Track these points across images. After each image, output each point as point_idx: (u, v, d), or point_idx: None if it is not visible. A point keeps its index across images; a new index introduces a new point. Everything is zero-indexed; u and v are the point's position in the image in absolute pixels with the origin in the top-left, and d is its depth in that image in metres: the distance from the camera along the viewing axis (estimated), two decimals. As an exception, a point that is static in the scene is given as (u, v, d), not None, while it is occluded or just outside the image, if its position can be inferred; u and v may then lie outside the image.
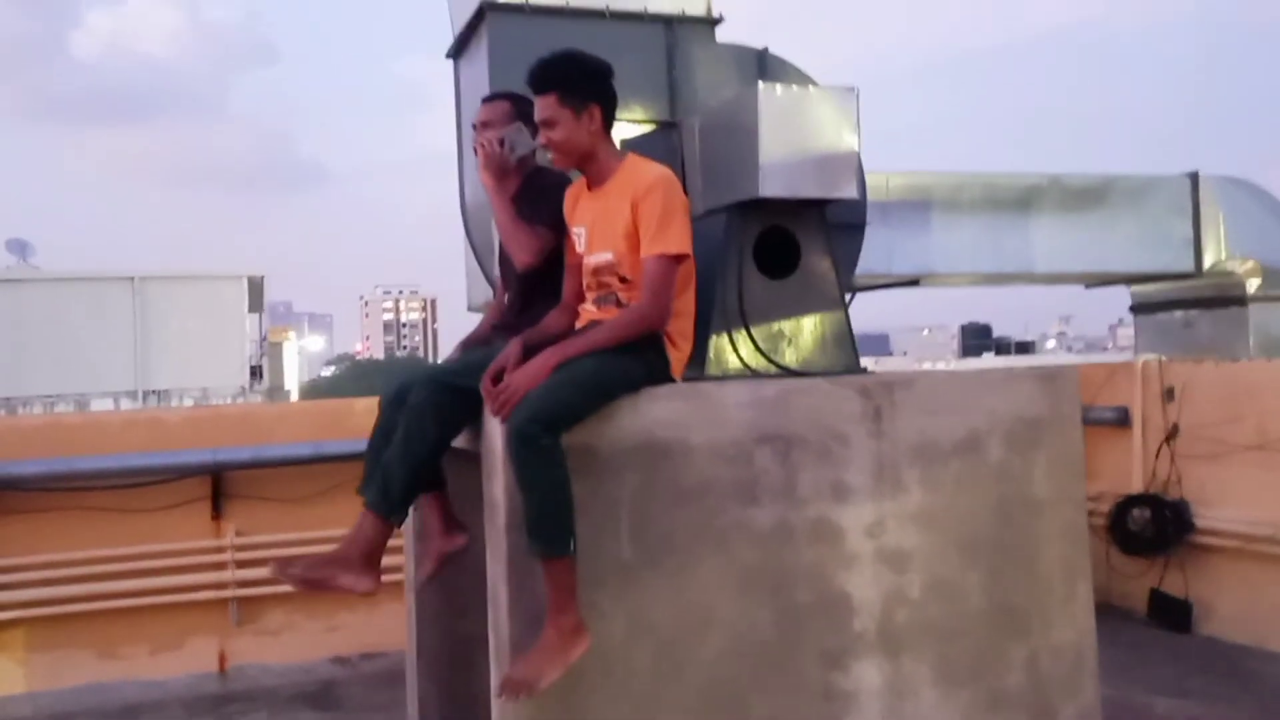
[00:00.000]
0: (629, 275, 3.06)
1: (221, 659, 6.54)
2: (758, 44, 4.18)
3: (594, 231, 3.13)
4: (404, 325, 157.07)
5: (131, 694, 6.20)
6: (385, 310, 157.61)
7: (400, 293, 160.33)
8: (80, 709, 5.99)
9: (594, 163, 3.12)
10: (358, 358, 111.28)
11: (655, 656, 3.00)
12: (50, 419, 9.35)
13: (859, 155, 3.49)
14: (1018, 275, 7.03)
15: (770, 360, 3.54)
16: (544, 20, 3.85)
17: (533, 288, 3.34)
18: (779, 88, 3.41)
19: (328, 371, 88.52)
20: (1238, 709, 5.43)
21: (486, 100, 3.46)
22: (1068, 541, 3.43)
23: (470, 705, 4.24)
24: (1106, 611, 5.96)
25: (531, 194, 3.32)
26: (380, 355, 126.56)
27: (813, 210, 3.63)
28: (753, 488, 3.09)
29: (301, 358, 41.69)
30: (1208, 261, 7.31)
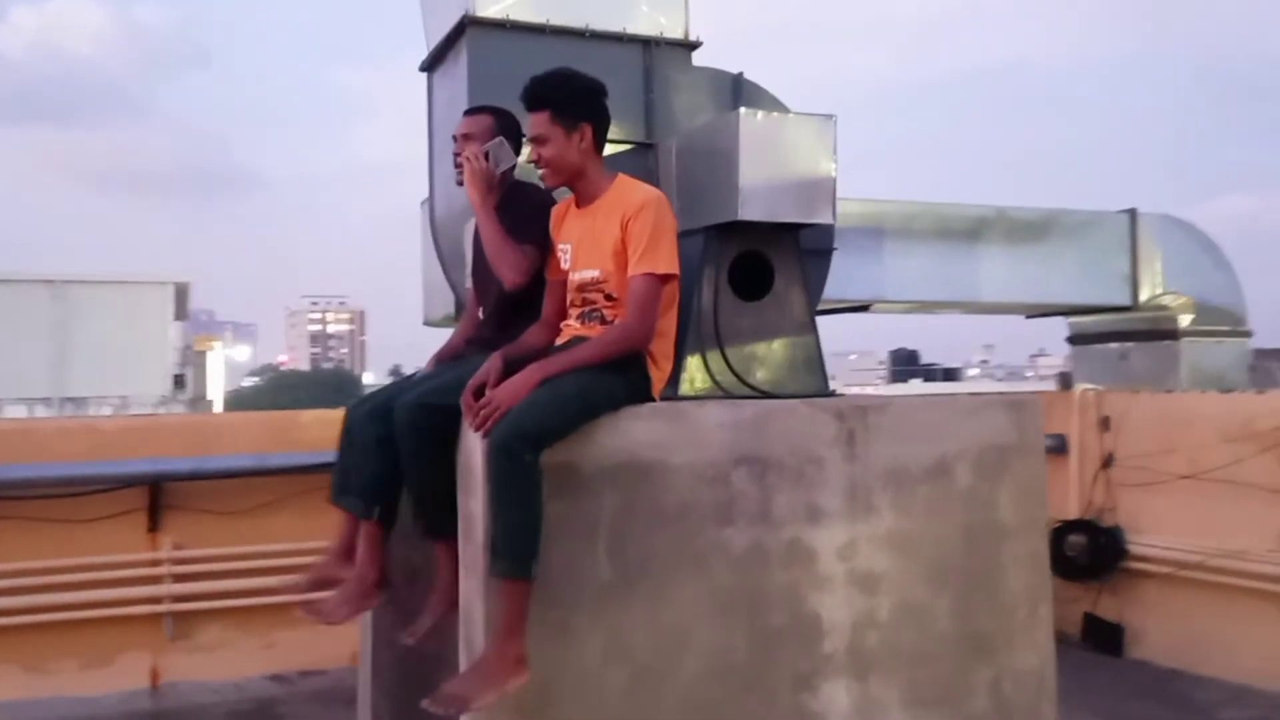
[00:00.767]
0: (615, 293, 3.06)
1: (154, 675, 6.36)
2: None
3: (580, 248, 3.12)
4: (330, 337, 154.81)
5: (60, 710, 5.99)
6: (312, 321, 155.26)
7: (328, 304, 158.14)
8: (6, 727, 5.79)
9: (583, 181, 3.12)
10: (281, 369, 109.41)
11: (631, 678, 2.98)
12: (-28, 424, 9.02)
13: (835, 181, 3.54)
14: (965, 303, 7.17)
15: (743, 381, 3.56)
16: (524, 37, 3.84)
17: (512, 303, 3.31)
18: (759, 113, 3.45)
19: (250, 382, 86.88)
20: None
21: (469, 114, 3.44)
22: (1031, 567, 3.50)
23: (425, 724, 4.19)
24: (1047, 636, 6.07)
25: (514, 210, 3.29)
26: (305, 367, 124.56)
27: (787, 234, 3.66)
28: (730, 509, 3.10)
29: (226, 368, 40.76)
30: (1143, 296, 7.53)
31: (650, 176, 3.69)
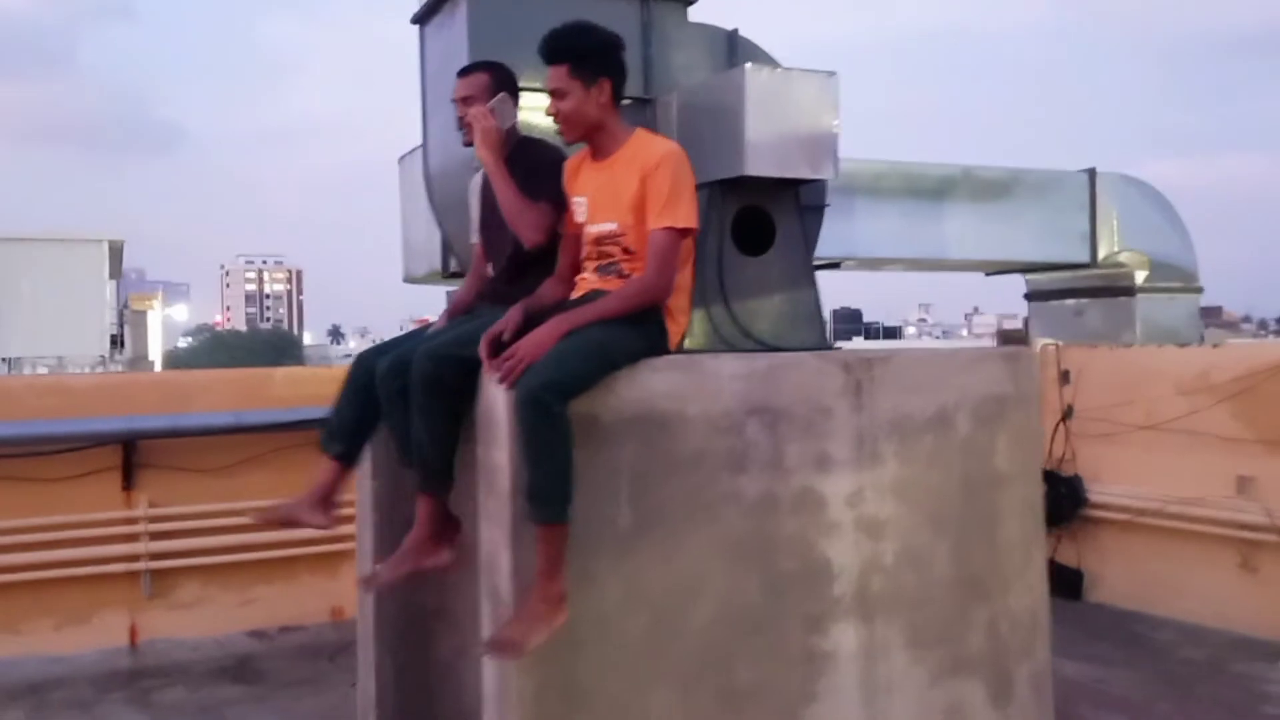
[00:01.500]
0: (633, 247, 3.10)
1: (132, 633, 6.34)
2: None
3: (597, 201, 3.16)
4: (268, 296, 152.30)
5: (35, 670, 5.96)
6: (248, 281, 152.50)
7: (265, 262, 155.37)
8: (-17, 686, 5.74)
9: (601, 134, 3.15)
10: (218, 329, 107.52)
11: (649, 623, 3.07)
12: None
13: (837, 137, 3.60)
14: (931, 261, 7.31)
15: (747, 334, 3.63)
16: (524, -10, 3.83)
17: (525, 257, 3.34)
18: (765, 70, 3.49)
19: (185, 343, 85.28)
20: (1135, 670, 5.82)
21: (464, 73, 3.42)
22: (1026, 513, 3.64)
23: (428, 676, 4.24)
24: (1013, 582, 6.28)
25: (526, 166, 3.31)
26: (242, 327, 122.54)
27: (788, 190, 3.73)
28: (743, 458, 3.19)
29: (164, 328, 39.99)
30: (1101, 253, 7.73)
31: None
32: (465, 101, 3.37)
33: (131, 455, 6.23)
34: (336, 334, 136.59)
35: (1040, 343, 7.84)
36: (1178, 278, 8.11)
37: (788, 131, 3.52)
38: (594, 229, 3.16)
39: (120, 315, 31.08)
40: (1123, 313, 8.03)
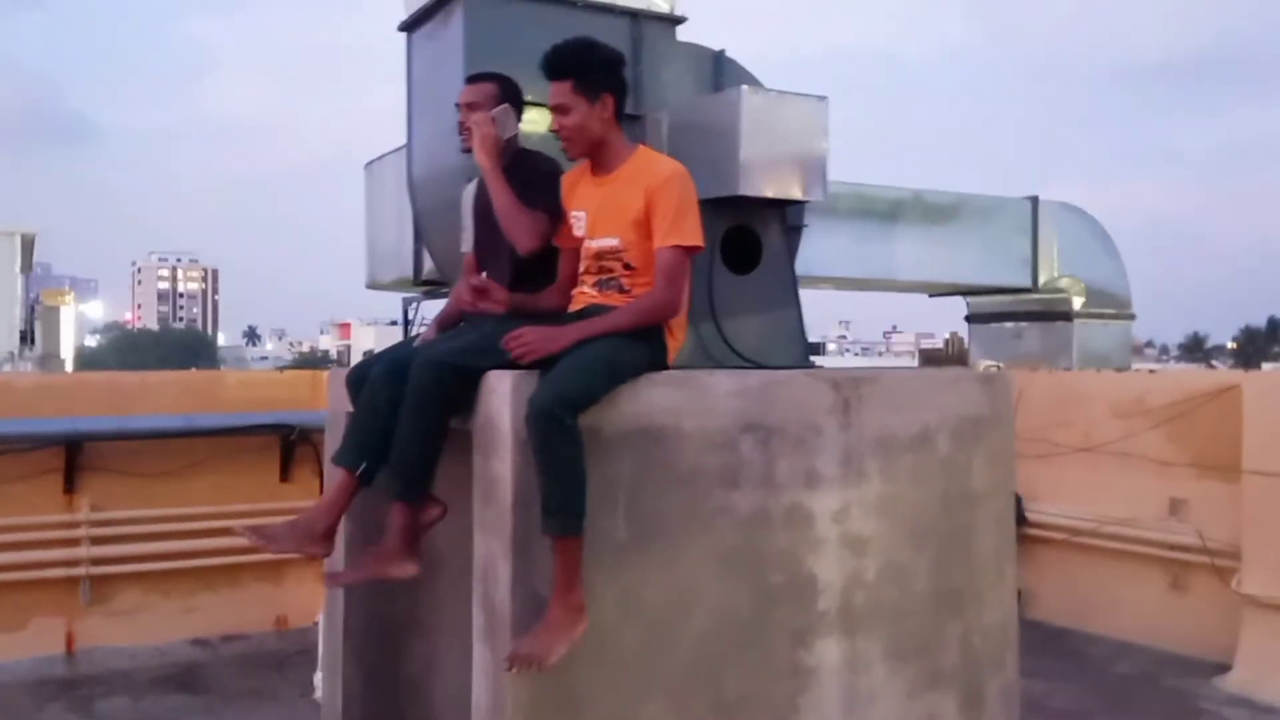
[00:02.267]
0: (634, 262, 3.13)
1: (69, 640, 6.16)
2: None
3: (598, 216, 3.18)
4: (181, 295, 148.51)
5: (-32, 678, 5.76)
6: (161, 279, 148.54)
7: (179, 261, 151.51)
8: (-86, 695, 5.53)
9: (604, 150, 3.17)
10: (128, 327, 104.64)
11: (644, 635, 3.08)
12: None
13: (826, 160, 3.68)
14: (882, 282, 7.47)
15: (734, 351, 3.69)
16: (517, 4, 3.84)
17: (523, 268, 3.35)
18: (760, 92, 3.55)
19: (93, 341, 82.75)
20: (1074, 684, 6.02)
21: (471, 81, 3.43)
22: (999, 530, 3.74)
23: (397, 687, 4.20)
24: (958, 597, 6.45)
25: (524, 176, 3.32)
26: (154, 326, 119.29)
27: (775, 210, 3.79)
28: (736, 473, 3.22)
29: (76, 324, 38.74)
30: (1042, 279, 7.98)
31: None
32: (469, 108, 3.37)
33: (75, 457, 6.06)
34: (252, 335, 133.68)
35: (982, 364, 8.06)
36: (1112, 304, 8.42)
37: (780, 153, 3.59)
38: (594, 244, 3.18)
39: (30, 311, 30.07)
40: (1060, 337, 8.30)
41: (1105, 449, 6.99)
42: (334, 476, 3.40)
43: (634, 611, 3.08)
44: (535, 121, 3.60)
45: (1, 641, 5.97)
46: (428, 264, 4.81)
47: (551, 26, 3.92)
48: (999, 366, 7.89)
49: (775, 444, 3.29)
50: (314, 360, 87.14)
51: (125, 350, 76.31)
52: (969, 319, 9.00)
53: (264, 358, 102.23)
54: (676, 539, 3.14)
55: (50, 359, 29.04)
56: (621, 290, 3.16)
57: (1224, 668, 6.11)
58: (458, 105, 3.43)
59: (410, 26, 4.20)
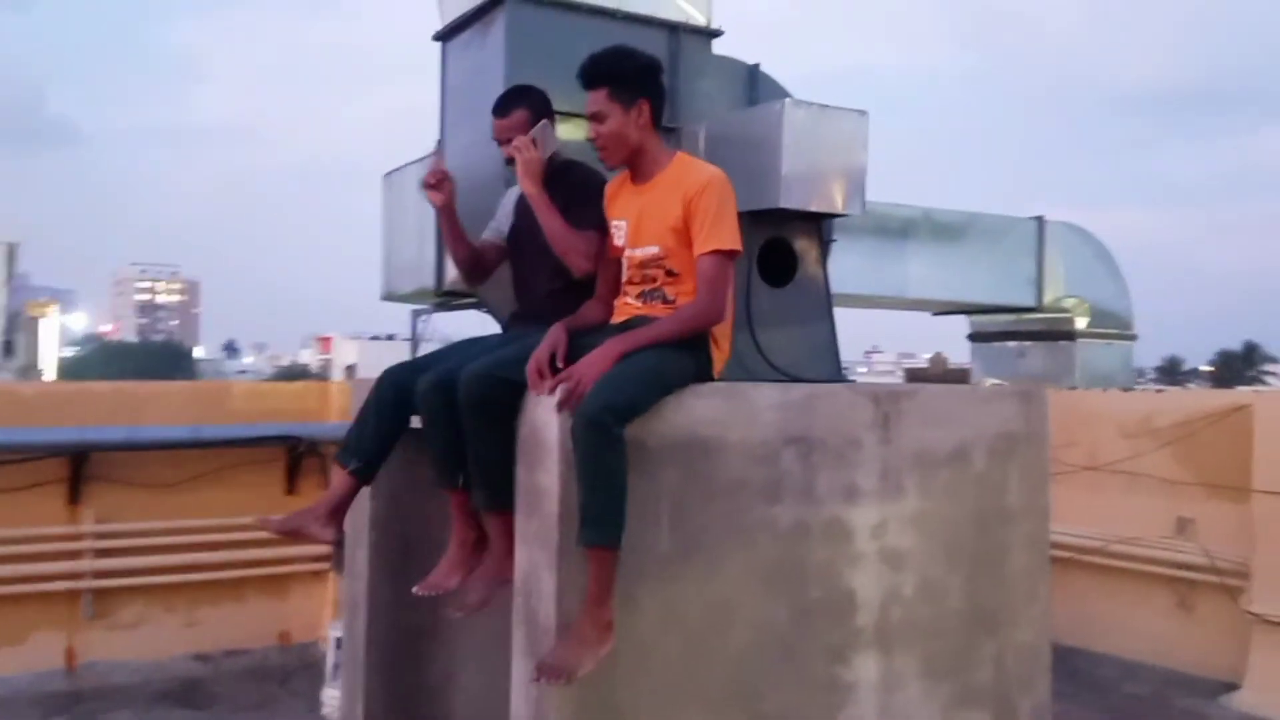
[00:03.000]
0: (676, 269, 3.11)
1: (69, 655, 6.06)
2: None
3: (639, 225, 3.15)
4: (160, 308, 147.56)
5: (-33, 692, 5.65)
6: (140, 290, 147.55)
7: (159, 272, 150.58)
8: (-87, 709, 5.43)
9: (642, 157, 3.15)
10: (106, 339, 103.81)
11: (685, 648, 3.06)
12: None
13: (865, 174, 3.68)
14: (894, 299, 7.48)
15: (770, 364, 3.67)
16: (559, 13, 3.82)
17: (566, 281, 3.32)
18: (802, 105, 3.55)
19: (70, 352, 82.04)
20: (1083, 706, 6.01)
21: (501, 112, 3.39)
22: (1032, 549, 3.73)
23: (418, 698, 4.16)
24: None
25: (568, 192, 3.29)
26: (132, 337, 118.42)
27: (811, 224, 3.79)
28: (778, 486, 3.20)
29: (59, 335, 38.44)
30: (1046, 298, 8.01)
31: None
32: (508, 130, 3.35)
33: (81, 467, 5.98)
34: (232, 348, 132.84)
35: (988, 383, 8.08)
36: (1115, 325, 8.46)
37: (821, 167, 3.59)
38: (637, 253, 3.16)
39: (11, 321, 29.83)
40: (1063, 356, 8.33)
41: (1111, 468, 7.01)
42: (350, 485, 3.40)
43: (675, 624, 3.05)
44: (569, 132, 3.58)
45: (1, 655, 5.86)
46: (450, 274, 4.78)
47: (591, 37, 3.91)
48: (1005, 384, 7.90)
49: (816, 457, 3.28)
50: (295, 374, 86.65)
51: (107, 361, 75.70)
52: (971, 338, 9.02)
53: (243, 371, 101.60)
54: (718, 552, 3.12)
55: (29, 370, 28.78)
56: (665, 301, 3.14)
57: (1232, 687, 6.11)
58: (495, 140, 3.41)
59: (445, 36, 4.18)
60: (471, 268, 3.52)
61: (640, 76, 3.16)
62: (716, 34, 4.13)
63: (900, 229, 7.19)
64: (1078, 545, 7.14)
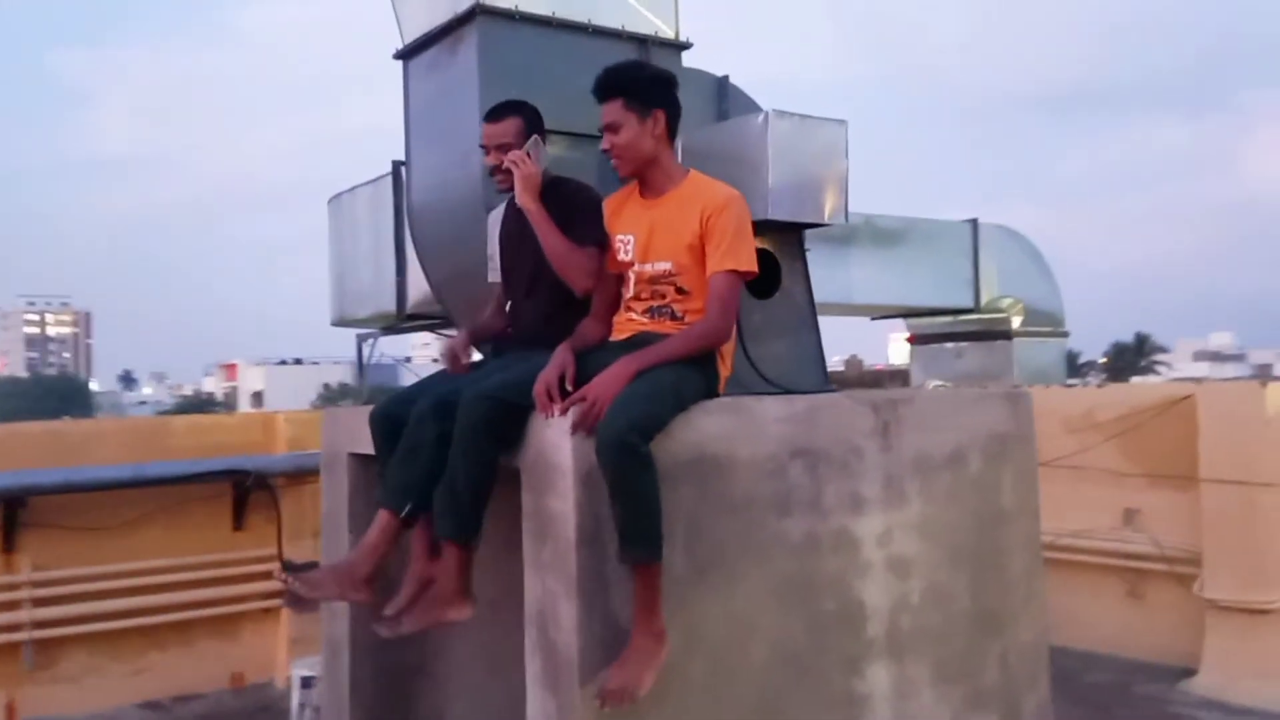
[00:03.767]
0: (688, 287, 3.06)
1: (10, 711, 5.73)
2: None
3: (650, 240, 3.10)
4: (51, 340, 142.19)
5: (-100, 759, 5.31)
6: (29, 323, 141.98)
7: (48, 304, 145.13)
8: None
9: (654, 170, 3.11)
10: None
11: (708, 669, 3.00)
12: None
13: (847, 183, 3.68)
14: (840, 306, 7.53)
15: (762, 377, 3.64)
16: (530, 28, 3.73)
17: (561, 298, 3.24)
18: (785, 117, 3.54)
19: (-51, 390, 78.60)
20: (1053, 697, 6.08)
21: (494, 118, 3.31)
22: (1028, 548, 3.76)
23: (408, 739, 4.02)
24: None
25: (565, 209, 3.21)
26: (21, 373, 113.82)
27: (793, 234, 3.77)
28: (788, 500, 3.17)
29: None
30: (983, 299, 8.16)
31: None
32: (500, 149, 3.26)
33: (16, 514, 5.67)
34: (129, 379, 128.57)
35: (931, 384, 8.19)
36: (1048, 322, 8.65)
37: (806, 177, 3.57)
38: (647, 268, 3.10)
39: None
40: (1000, 355, 8.48)
41: (1058, 463, 7.13)
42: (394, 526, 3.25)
43: (697, 645, 2.99)
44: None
45: (-65, 716, 5.52)
46: (412, 296, 4.66)
47: (562, 52, 3.86)
48: (947, 386, 8.02)
49: (822, 469, 3.26)
50: (199, 404, 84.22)
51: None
52: (910, 340, 9.14)
53: (143, 402, 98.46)
54: (735, 569, 3.07)
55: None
56: (674, 317, 3.09)
57: (1188, 672, 6.26)
58: (484, 147, 3.32)
59: (407, 55, 4.06)
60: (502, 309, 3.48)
61: (654, 87, 3.13)
62: (686, 46, 4.10)
63: (843, 236, 7.23)
64: (1029, 540, 7.26)
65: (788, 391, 3.64)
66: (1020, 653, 3.70)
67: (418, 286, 4.65)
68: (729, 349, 3.15)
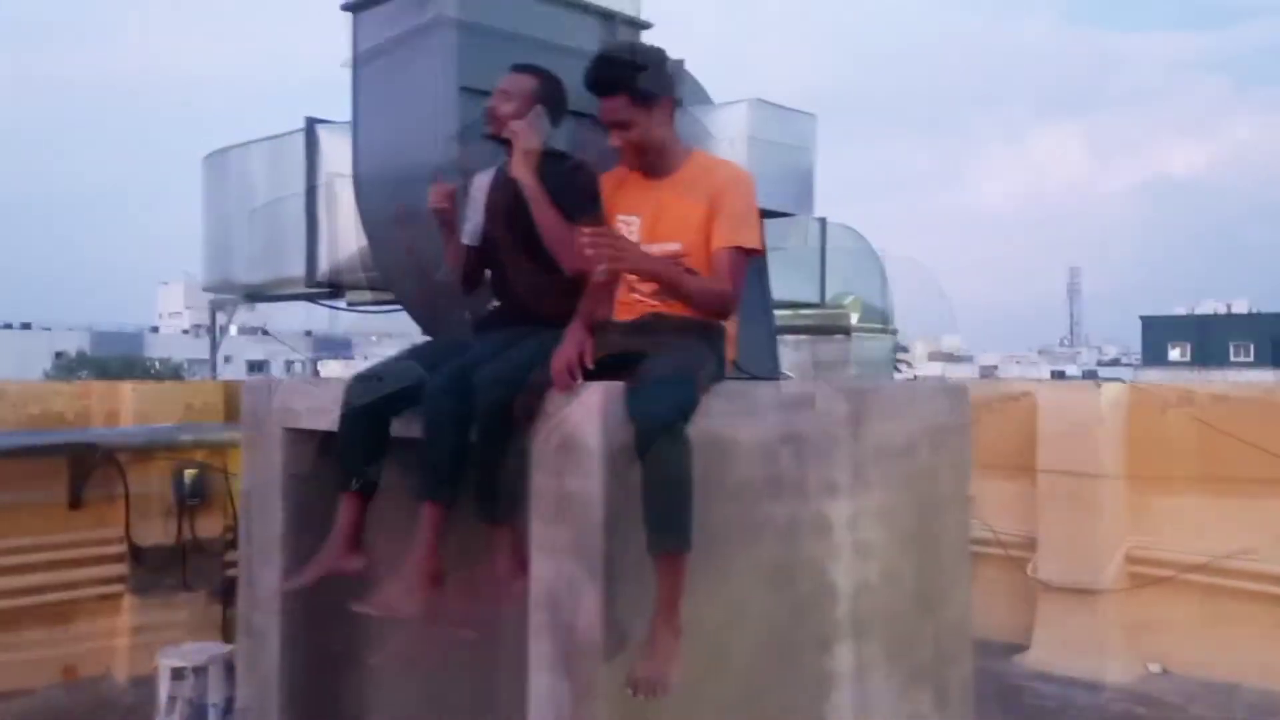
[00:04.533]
0: (696, 268, 3.05)
1: None
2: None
3: (656, 221, 3.06)
4: None
5: None
6: None
7: None
8: None
9: (663, 155, 3.07)
10: None
11: (706, 652, 3.01)
12: None
13: (814, 174, 3.77)
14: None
15: (734, 365, 3.67)
16: (505, -8, 3.59)
17: (551, 273, 3.16)
18: (762, 106, 3.58)
19: None
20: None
21: (517, 68, 3.22)
22: (959, 531, 3.99)
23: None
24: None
25: (561, 189, 3.12)
26: None
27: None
28: (777, 484, 3.23)
29: None
30: (829, 295, 8.49)
31: (608, 152, 3.64)
32: (503, 96, 3.15)
33: None
34: None
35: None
36: (880, 319, 9.12)
37: (775, 167, 3.63)
38: (654, 249, 3.06)
39: None
40: (839, 350, 8.87)
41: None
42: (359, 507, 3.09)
43: (695, 628, 2.98)
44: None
45: None
46: (324, 263, 4.40)
47: (524, 19, 3.75)
48: (790, 376, 8.31)
49: (806, 454, 3.33)
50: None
51: None
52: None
53: None
54: (728, 553, 3.10)
55: None
56: (685, 298, 3.07)
57: (1018, 648, 6.79)
58: (488, 109, 3.20)
59: (356, 6, 3.81)
60: (469, 272, 3.33)
61: (654, 75, 3.07)
62: (647, 26, 4.05)
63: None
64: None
65: (755, 377, 3.70)
66: (949, 631, 3.93)
67: (331, 253, 4.40)
68: (733, 331, 3.17)
